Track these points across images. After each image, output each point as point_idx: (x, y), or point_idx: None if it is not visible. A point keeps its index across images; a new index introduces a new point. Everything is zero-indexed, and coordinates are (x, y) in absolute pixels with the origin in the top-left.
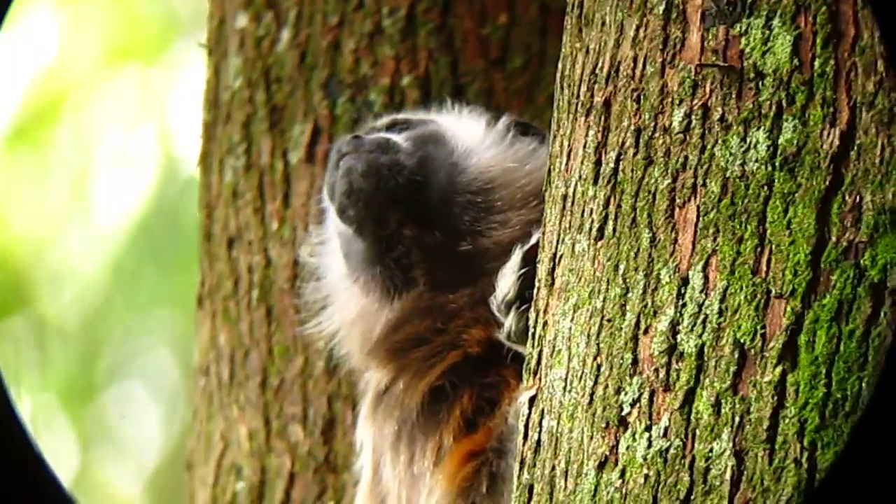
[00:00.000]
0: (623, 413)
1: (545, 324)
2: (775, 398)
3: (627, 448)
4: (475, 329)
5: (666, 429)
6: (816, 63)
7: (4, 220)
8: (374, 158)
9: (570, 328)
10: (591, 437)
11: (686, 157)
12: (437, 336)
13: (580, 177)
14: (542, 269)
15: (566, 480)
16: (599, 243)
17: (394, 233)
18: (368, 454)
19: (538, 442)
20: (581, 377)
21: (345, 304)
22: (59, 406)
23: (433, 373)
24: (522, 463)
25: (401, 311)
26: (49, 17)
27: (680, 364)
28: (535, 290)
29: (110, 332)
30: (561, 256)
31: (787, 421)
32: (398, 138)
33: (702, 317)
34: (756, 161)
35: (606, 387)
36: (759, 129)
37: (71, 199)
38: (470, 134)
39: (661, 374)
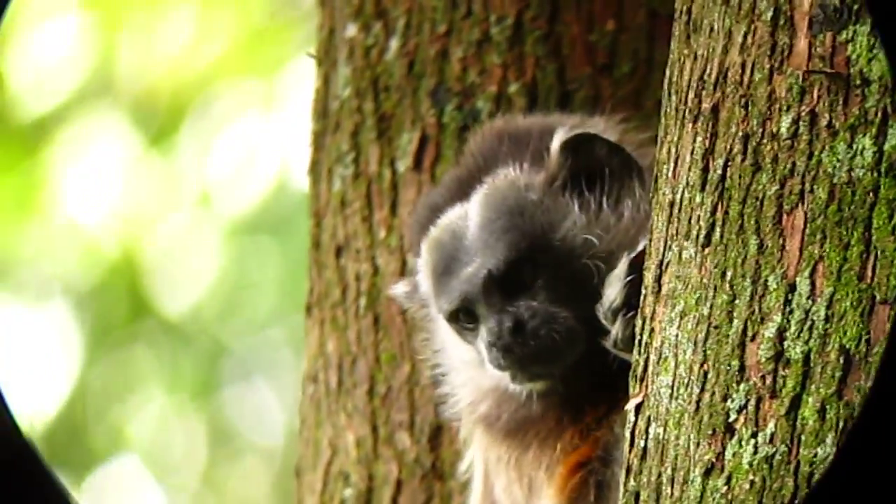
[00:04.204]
0: (730, 420)
1: (652, 331)
2: None
3: (734, 455)
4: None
5: (772, 435)
6: None
7: (133, 224)
8: (518, 353)
9: (677, 335)
10: (698, 444)
11: (794, 164)
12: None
13: (687, 183)
14: (648, 276)
15: (672, 487)
16: (707, 250)
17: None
18: (480, 471)
19: (644, 449)
20: (688, 384)
21: (470, 381)
22: (190, 406)
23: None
24: (629, 470)
25: (536, 406)
26: (169, 22)
27: (786, 370)
28: (642, 297)
29: (233, 335)
30: (668, 263)
31: None
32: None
33: (808, 323)
34: (862, 167)
35: (713, 394)
36: (865, 135)
37: (191, 204)
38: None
39: (768, 380)
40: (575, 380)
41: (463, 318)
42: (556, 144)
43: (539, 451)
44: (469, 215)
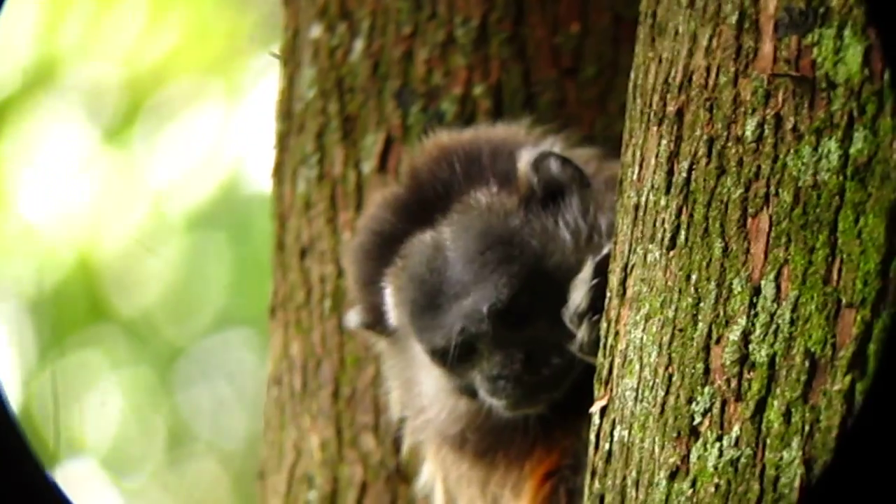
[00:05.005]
0: (694, 423)
1: (617, 334)
2: (844, 407)
3: (699, 458)
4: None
5: (737, 438)
6: (887, 73)
7: (88, 226)
8: (528, 383)
9: (642, 338)
10: (663, 447)
11: (759, 167)
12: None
13: (652, 186)
14: (613, 280)
15: (637, 490)
16: (671, 253)
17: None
18: (440, 488)
19: (609, 452)
20: (652, 387)
21: (444, 407)
22: (147, 408)
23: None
24: (593, 473)
25: (514, 431)
26: (122, 16)
27: (751, 374)
28: (607, 301)
29: (190, 337)
30: (633, 266)
31: None
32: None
33: (773, 326)
34: (828, 171)
35: (678, 397)
36: (830, 138)
37: (146, 202)
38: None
39: (733, 383)
40: (560, 402)
41: (459, 352)
42: (524, 165)
43: (506, 472)
44: (445, 245)
